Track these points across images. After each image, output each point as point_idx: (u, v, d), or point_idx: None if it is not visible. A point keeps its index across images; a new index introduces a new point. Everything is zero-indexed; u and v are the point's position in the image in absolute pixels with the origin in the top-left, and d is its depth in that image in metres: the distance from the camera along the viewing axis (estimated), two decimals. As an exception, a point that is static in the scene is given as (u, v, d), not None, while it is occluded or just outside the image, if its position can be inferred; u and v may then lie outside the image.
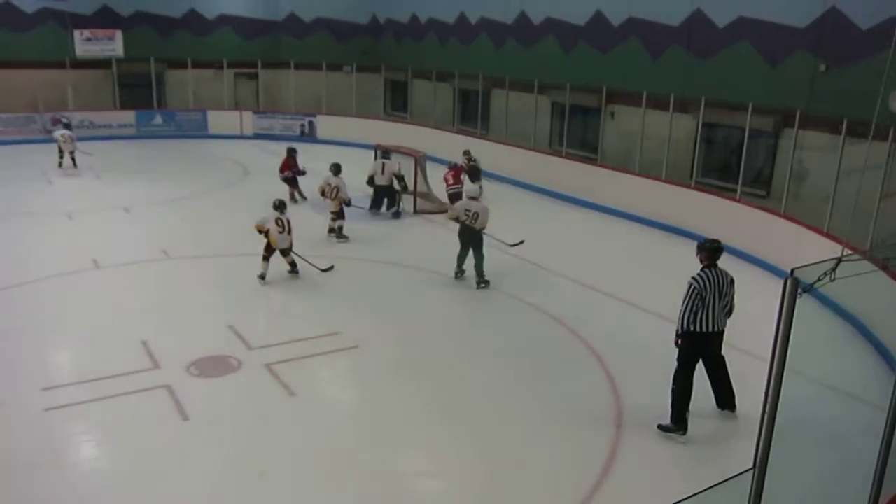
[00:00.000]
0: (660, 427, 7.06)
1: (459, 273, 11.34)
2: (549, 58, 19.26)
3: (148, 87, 24.52)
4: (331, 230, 13.40)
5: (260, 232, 10.90)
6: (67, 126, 19.93)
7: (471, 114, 22.15)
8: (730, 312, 7.11)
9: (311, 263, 11.31)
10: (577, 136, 18.74)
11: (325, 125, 24.20)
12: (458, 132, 21.63)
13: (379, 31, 26.67)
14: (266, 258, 10.96)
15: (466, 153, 16.89)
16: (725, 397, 7.35)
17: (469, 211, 10.92)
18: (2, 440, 6.76)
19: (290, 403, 7.58)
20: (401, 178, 15.11)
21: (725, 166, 15.31)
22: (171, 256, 12.10)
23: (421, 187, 15.80)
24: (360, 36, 26.85)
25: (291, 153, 16.31)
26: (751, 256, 12.54)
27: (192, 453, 6.69)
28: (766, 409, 3.53)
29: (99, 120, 23.58)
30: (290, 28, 26.80)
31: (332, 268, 11.48)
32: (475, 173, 16.32)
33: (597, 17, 17.86)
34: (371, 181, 15.07)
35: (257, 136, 24.46)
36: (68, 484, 6.24)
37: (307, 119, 24.50)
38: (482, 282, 11.06)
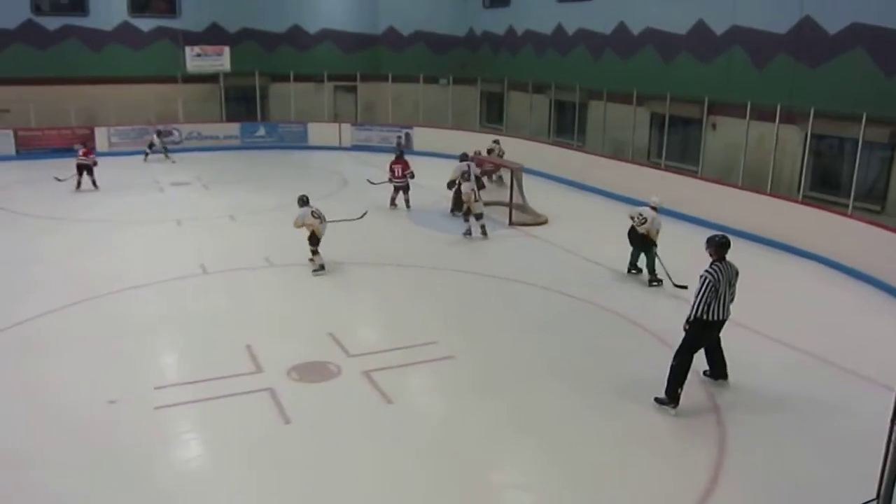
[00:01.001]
0: (656, 400, 7.67)
1: (633, 270, 12.09)
2: (649, 68, 18.92)
3: (252, 101, 25.58)
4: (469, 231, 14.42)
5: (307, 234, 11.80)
6: (160, 133, 22.65)
7: (567, 125, 21.98)
8: (732, 300, 7.69)
9: (345, 219, 12.86)
10: (677, 147, 18.30)
11: (422, 137, 24.51)
12: (554, 143, 21.49)
13: (476, 43, 26.85)
14: (315, 251, 11.93)
15: (496, 142, 18.22)
16: (721, 370, 8.19)
17: (641, 215, 11.67)
18: (117, 436, 7.12)
19: (388, 411, 7.67)
20: (478, 178, 15.26)
21: (835, 179, 14.64)
22: (273, 264, 12.49)
23: (517, 199, 15.77)
24: (457, 49, 27.13)
25: (399, 156, 16.72)
26: (863, 274, 11.91)
27: (292, 455, 6.85)
28: (893, 438, 3.32)
29: (206, 132, 24.76)
30: (388, 41, 27.35)
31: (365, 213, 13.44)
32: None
33: (699, 25, 17.45)
34: (452, 184, 15.37)
35: (355, 148, 25.06)
36: (175, 479, 6.52)
37: (404, 131, 24.86)
38: (653, 280, 11.64)
